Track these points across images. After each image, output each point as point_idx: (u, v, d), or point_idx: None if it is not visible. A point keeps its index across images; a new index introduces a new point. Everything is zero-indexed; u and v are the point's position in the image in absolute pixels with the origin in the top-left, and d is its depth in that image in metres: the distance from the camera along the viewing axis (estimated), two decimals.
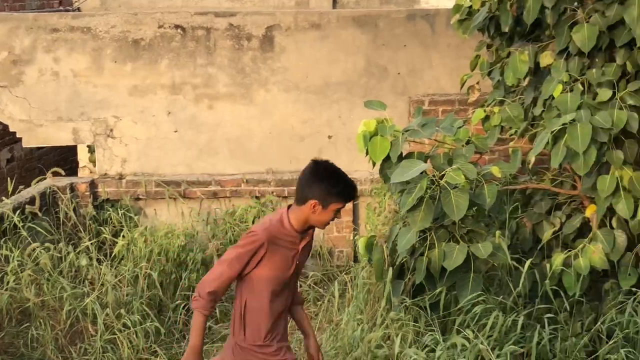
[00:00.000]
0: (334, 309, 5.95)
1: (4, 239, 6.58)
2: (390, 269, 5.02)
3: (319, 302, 6.71)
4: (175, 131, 8.35)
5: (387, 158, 5.05)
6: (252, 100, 8.30)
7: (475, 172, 4.73)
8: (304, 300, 4.60)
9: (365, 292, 5.35)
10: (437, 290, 4.96)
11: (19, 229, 6.72)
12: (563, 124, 4.77)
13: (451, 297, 5.08)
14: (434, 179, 4.87)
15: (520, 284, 5.03)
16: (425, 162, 5.09)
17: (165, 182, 8.24)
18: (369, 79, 8.25)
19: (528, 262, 5.06)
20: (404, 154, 5.17)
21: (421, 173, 4.79)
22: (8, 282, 6.20)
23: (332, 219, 4.15)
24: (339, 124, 8.28)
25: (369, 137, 5.05)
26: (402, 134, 5.10)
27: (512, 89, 6.15)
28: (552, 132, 4.84)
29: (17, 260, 6.32)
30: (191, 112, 8.33)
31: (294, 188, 7.97)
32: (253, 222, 7.87)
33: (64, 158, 10.97)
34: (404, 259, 5.09)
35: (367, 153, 5.11)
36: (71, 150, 9.75)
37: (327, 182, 4.01)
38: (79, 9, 11.39)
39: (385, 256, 5.05)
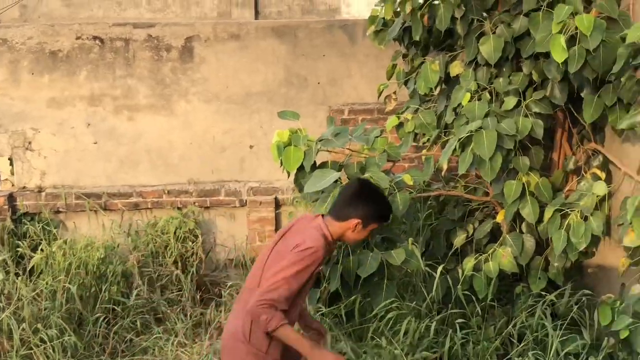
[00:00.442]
0: None
1: None
2: None
3: None
4: (95, 143, 8.26)
5: (302, 168, 5.08)
6: (173, 111, 8.26)
7: (387, 181, 4.80)
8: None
9: None
10: (352, 298, 5.00)
11: None
12: (470, 132, 4.89)
13: (366, 304, 5.13)
14: None
15: (434, 290, 5.11)
16: (340, 171, 5.13)
17: (85, 195, 8.14)
18: (289, 89, 8.27)
19: (440, 268, 5.14)
20: (320, 163, 5.22)
21: (335, 182, 4.84)
22: None
23: (366, 238, 4.38)
24: (261, 133, 8.28)
25: (283, 147, 5.07)
26: (316, 143, 5.13)
27: (427, 98, 6.24)
28: (459, 139, 4.95)
29: None
30: (111, 123, 8.25)
31: (216, 198, 8.14)
32: (175, 233, 7.81)
33: None
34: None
35: (281, 163, 5.13)
36: None
37: (372, 204, 4.13)
38: None
39: None
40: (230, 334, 4.15)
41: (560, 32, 4.65)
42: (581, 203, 4.88)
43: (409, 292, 5.41)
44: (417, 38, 5.77)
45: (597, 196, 4.88)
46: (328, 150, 5.21)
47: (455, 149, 4.96)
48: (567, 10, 4.61)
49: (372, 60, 8.19)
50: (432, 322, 4.99)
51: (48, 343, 5.85)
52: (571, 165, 5.49)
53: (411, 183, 5.11)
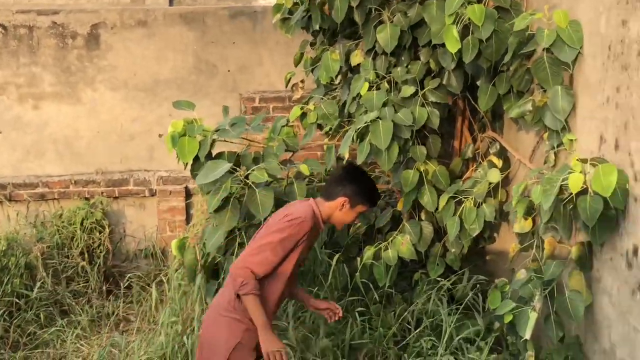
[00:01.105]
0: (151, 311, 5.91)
1: None
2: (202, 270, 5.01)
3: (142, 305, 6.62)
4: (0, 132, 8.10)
5: (198, 158, 5.04)
6: (80, 100, 8.13)
7: (280, 171, 4.78)
8: None
9: (181, 294, 5.29)
10: None
11: None
12: (366, 122, 4.89)
13: None
14: (241, 178, 4.86)
15: (329, 278, 5.12)
16: (237, 162, 5.09)
17: None
18: (198, 76, 8.21)
19: (336, 257, 5.16)
20: (217, 154, 5.17)
21: (230, 173, 4.79)
22: None
23: (353, 221, 4.59)
24: (170, 121, 8.17)
25: (178, 138, 5.01)
26: (212, 134, 5.09)
27: (333, 87, 6.23)
28: (356, 129, 4.95)
29: None
30: (15, 112, 8.09)
31: (125, 188, 8.02)
32: (82, 224, 7.69)
33: None
34: (218, 260, 5.07)
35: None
36: None
37: (359, 184, 4.27)
38: None
39: (199, 257, 5.02)
40: (211, 309, 4.25)
41: (453, 22, 4.67)
42: (475, 190, 4.92)
43: (307, 281, 5.37)
44: (316, 27, 5.79)
45: (491, 183, 4.92)
46: (225, 141, 5.17)
47: (353, 139, 4.96)
48: (458, 1, 4.63)
49: (283, 48, 8.14)
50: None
51: None
52: (469, 153, 5.57)
53: (307, 173, 5.11)
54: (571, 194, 3.82)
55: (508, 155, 5.33)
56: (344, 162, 5.05)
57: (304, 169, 5.06)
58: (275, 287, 4.13)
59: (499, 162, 5.24)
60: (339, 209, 4.24)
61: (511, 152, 5.18)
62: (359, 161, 5.08)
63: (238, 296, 3.99)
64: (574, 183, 3.77)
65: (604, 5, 3.97)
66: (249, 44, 8.23)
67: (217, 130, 5.12)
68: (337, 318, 4.38)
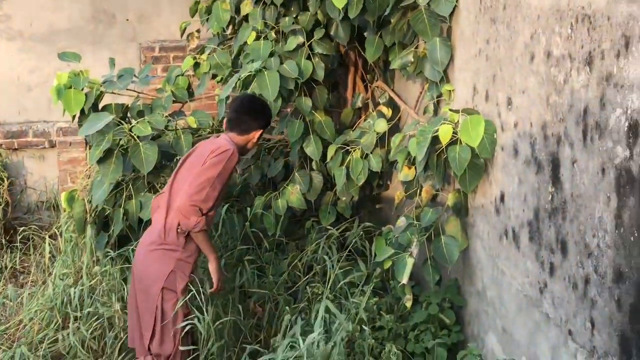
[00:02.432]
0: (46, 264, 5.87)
1: None
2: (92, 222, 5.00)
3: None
4: None
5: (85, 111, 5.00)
6: None
7: (164, 123, 4.76)
8: None
9: (72, 246, 5.28)
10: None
11: None
12: (251, 72, 4.91)
13: None
14: (125, 131, 4.82)
15: (220, 227, 5.17)
16: (125, 113, 5.07)
17: None
18: (97, 26, 8.06)
19: (225, 207, 5.19)
20: (104, 106, 5.14)
21: (116, 125, 4.77)
22: None
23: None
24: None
25: (64, 90, 4.95)
26: (101, 85, 5.05)
27: (228, 37, 6.22)
28: (240, 78, 4.95)
29: None
30: None
31: (24, 140, 7.86)
32: None
33: None
34: (108, 212, 5.06)
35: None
36: None
37: (267, 114, 4.63)
38: None
39: (88, 209, 5.01)
40: (140, 246, 4.38)
41: None
42: (362, 140, 4.98)
43: None
44: None
45: (377, 133, 4.98)
46: (115, 93, 5.14)
47: (235, 87, 4.97)
48: None
49: None
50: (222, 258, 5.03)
51: None
52: (359, 103, 5.66)
53: (194, 125, 5.10)
54: (447, 142, 3.95)
55: (398, 105, 5.41)
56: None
57: (191, 120, 5.07)
58: (211, 217, 4.38)
59: (388, 112, 5.31)
60: (254, 140, 4.54)
61: (398, 102, 5.26)
62: None
63: (184, 234, 4.21)
64: (444, 134, 3.89)
65: None
66: None
67: (104, 83, 5.05)
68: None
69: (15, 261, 6.55)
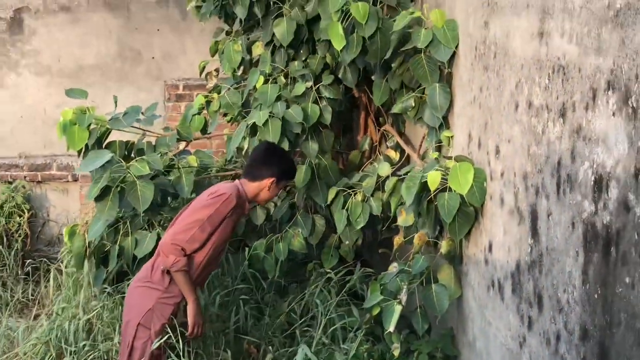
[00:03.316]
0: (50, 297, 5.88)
1: None
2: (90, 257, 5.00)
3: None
4: None
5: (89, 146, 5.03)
6: (3, 84, 8.07)
7: (161, 163, 4.74)
8: None
9: (74, 280, 5.29)
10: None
11: None
12: (260, 117, 4.91)
13: None
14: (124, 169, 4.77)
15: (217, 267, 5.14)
16: (129, 151, 5.08)
17: None
18: (123, 63, 8.18)
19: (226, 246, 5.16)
20: (108, 143, 5.16)
21: (108, 163, 4.75)
22: None
23: (275, 196, 4.85)
24: (98, 107, 8.14)
25: (69, 126, 4.99)
26: (108, 123, 5.08)
27: (244, 77, 6.23)
28: (247, 125, 4.96)
29: None
30: None
31: (48, 173, 7.94)
32: (2, 208, 7.65)
33: None
34: (107, 247, 5.05)
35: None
36: None
37: (284, 164, 4.58)
38: None
39: (87, 244, 5.01)
40: (132, 282, 4.45)
41: (339, 19, 4.68)
42: (363, 184, 4.94)
43: None
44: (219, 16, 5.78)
45: (380, 177, 4.92)
46: (120, 130, 5.16)
47: (245, 135, 4.99)
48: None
49: (207, 36, 8.00)
50: (217, 297, 5.02)
51: None
52: (366, 146, 5.61)
53: (196, 164, 5.10)
54: (436, 189, 3.89)
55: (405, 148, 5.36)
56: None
57: (192, 159, 5.08)
58: (203, 264, 4.33)
59: (395, 156, 5.25)
60: (266, 189, 4.49)
61: (403, 146, 5.21)
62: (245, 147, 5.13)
63: (168, 272, 4.21)
64: (432, 180, 3.84)
65: (472, 6, 4.03)
66: (174, 31, 8.20)
67: (110, 120, 5.08)
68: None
69: (28, 292, 6.58)
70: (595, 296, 2.59)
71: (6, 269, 7.18)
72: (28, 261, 6.98)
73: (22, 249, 7.50)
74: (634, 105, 2.33)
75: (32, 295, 6.68)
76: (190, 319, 4.27)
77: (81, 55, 8.10)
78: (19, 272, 7.23)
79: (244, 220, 5.61)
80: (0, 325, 5.57)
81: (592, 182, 2.61)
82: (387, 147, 5.41)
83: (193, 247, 4.19)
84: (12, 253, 7.35)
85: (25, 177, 7.99)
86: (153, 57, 8.18)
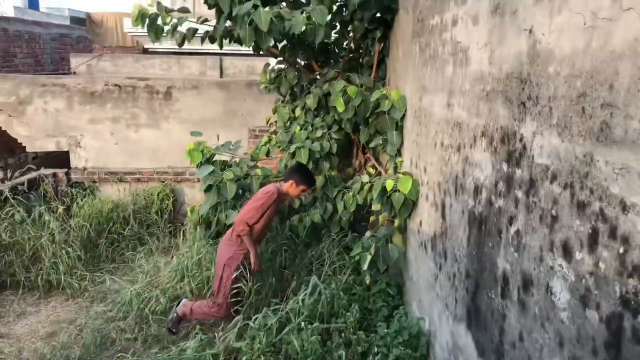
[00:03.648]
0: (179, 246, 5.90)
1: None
2: (201, 224, 4.99)
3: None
4: (116, 144, 8.09)
5: (202, 162, 5.02)
6: (160, 128, 8.10)
7: (240, 172, 4.74)
8: None
9: (192, 237, 5.29)
10: None
11: (10, 200, 6.31)
12: (296, 148, 4.88)
13: None
14: (220, 175, 4.78)
15: (270, 231, 5.10)
16: (223, 168, 5.05)
17: (109, 173, 7.99)
18: (226, 117, 8.17)
19: (277, 220, 5.12)
20: (213, 161, 5.14)
21: (211, 172, 4.76)
22: None
23: (299, 195, 4.61)
24: (210, 141, 8.12)
25: (192, 151, 5.00)
26: (213, 150, 5.07)
27: (289, 126, 6.16)
28: (289, 152, 4.93)
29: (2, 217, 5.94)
30: (125, 133, 8.08)
31: (184, 177, 7.95)
32: (158, 196, 7.70)
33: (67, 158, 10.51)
34: (210, 219, 5.02)
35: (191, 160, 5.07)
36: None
37: (300, 174, 4.42)
38: (74, 73, 10.91)
39: (200, 217, 5.01)
40: (222, 241, 4.35)
41: (341, 95, 4.65)
42: (353, 186, 4.88)
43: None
44: (277, 92, 5.76)
45: (363, 182, 4.86)
46: (220, 153, 5.14)
47: (288, 156, 4.97)
48: (340, 84, 4.61)
49: (271, 103, 8.04)
50: (270, 247, 4.98)
51: (65, 256, 5.71)
52: (356, 166, 5.55)
53: (260, 174, 5.06)
54: (391, 190, 3.84)
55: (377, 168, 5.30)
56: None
57: (258, 171, 5.04)
58: (259, 231, 4.28)
59: (372, 171, 5.19)
60: (291, 188, 4.37)
61: (377, 166, 5.15)
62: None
63: (239, 236, 4.18)
64: (389, 185, 3.80)
65: (412, 89, 3.97)
66: (254, 99, 8.18)
67: (215, 148, 5.07)
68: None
69: (169, 242, 6.61)
70: (474, 253, 2.53)
71: (159, 229, 7.20)
72: (170, 225, 6.99)
73: (168, 218, 7.52)
74: (495, 146, 2.27)
75: (170, 244, 6.72)
76: (252, 261, 4.23)
77: (203, 112, 8.13)
78: (165, 231, 7.23)
79: (286, 205, 5.59)
80: (153, 260, 5.57)
81: (473, 188, 2.55)
82: (368, 167, 5.34)
83: (253, 221, 4.18)
84: (162, 220, 7.36)
85: (171, 179, 8.03)
86: (242, 114, 8.19)
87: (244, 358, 3.37)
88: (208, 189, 4.62)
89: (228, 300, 4.22)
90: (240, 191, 4.75)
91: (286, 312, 3.72)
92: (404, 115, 4.27)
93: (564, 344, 1.68)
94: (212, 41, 5.29)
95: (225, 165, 5.09)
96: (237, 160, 5.39)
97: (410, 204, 3.82)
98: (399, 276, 4.39)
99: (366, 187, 4.45)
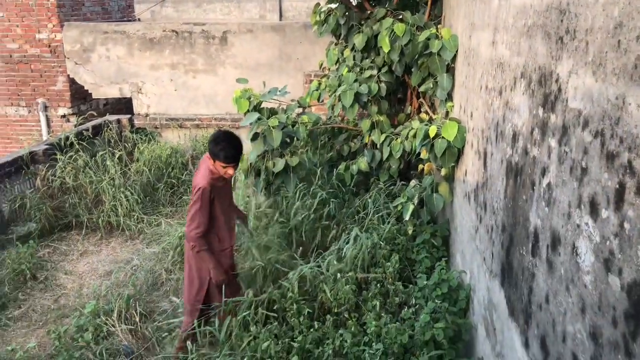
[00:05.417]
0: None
1: (66, 153, 6.54)
2: (251, 171, 4.99)
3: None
4: (175, 90, 8.26)
5: (249, 110, 4.97)
6: (217, 74, 8.17)
7: (285, 118, 4.63)
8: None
9: (243, 183, 5.32)
10: (277, 184, 4.94)
11: (76, 145, 6.67)
12: (342, 91, 4.73)
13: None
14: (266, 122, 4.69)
15: (317, 179, 5.04)
16: (271, 114, 4.98)
17: (170, 119, 8.21)
18: (281, 62, 8.08)
19: (321, 167, 5.04)
20: (260, 108, 5.06)
21: (257, 119, 4.70)
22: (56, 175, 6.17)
23: (226, 173, 3.43)
24: (264, 86, 8.11)
25: (239, 99, 4.94)
26: (260, 97, 4.99)
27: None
28: (336, 95, 4.79)
29: (67, 162, 6.30)
30: (183, 79, 8.22)
31: (239, 123, 8.00)
32: None
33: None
34: (259, 167, 4.98)
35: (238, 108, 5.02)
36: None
37: (214, 146, 3.40)
38: (139, 19, 11.09)
39: (249, 165, 4.99)
40: (186, 251, 3.61)
41: (387, 34, 4.39)
42: (402, 132, 4.69)
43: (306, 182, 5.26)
44: (322, 36, 5.55)
45: (412, 128, 4.65)
46: (271, 100, 5.04)
47: (334, 98, 4.83)
48: (387, 21, 4.35)
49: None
50: (316, 197, 4.92)
51: (124, 199, 5.97)
52: (408, 111, 5.31)
53: (306, 120, 4.96)
54: (434, 137, 3.65)
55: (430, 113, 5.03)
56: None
57: (304, 118, 4.93)
58: (218, 229, 3.50)
59: (425, 117, 4.95)
60: (213, 165, 3.41)
61: (429, 111, 4.90)
62: (334, 113, 4.93)
63: (197, 252, 3.40)
64: (432, 131, 3.59)
65: (463, 27, 3.67)
66: (309, 43, 8.01)
67: (262, 95, 5.00)
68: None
69: None
70: (509, 205, 2.34)
71: None
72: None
73: None
74: (533, 88, 2.04)
75: None
76: (212, 274, 3.48)
77: (258, 57, 8.08)
78: None
79: (335, 151, 5.48)
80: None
81: (511, 136, 2.34)
82: (421, 112, 5.10)
83: (203, 229, 3.38)
84: None
85: (229, 125, 8.12)
86: (297, 58, 8.06)
87: (277, 306, 3.41)
88: (254, 137, 4.57)
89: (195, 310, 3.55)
90: (288, 139, 4.67)
91: (321, 262, 3.70)
92: (455, 56, 3.98)
93: (585, 310, 1.51)
94: None
95: (272, 112, 5.00)
96: (283, 107, 5.30)
97: (455, 152, 3.61)
98: (445, 226, 4.23)
99: (411, 132, 4.24)
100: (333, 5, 5.53)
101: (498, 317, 2.50)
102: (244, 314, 3.31)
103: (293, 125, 4.95)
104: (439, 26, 4.26)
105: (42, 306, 4.38)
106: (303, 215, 4.64)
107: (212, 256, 3.42)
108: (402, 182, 5.01)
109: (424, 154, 4.32)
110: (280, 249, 4.16)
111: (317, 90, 5.68)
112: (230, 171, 3.38)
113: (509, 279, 2.34)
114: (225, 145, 3.34)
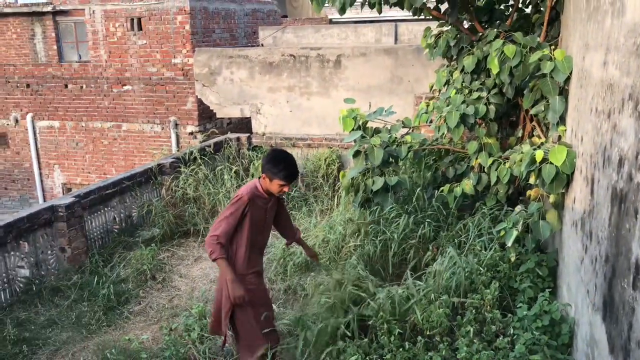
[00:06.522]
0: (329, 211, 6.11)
1: (189, 166, 7.09)
2: (350, 188, 5.07)
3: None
4: (290, 111, 8.66)
5: (354, 129, 5.08)
6: (329, 96, 8.44)
7: (387, 138, 4.66)
8: (297, 231, 4.00)
9: (344, 200, 5.43)
10: (375, 203, 4.97)
11: (198, 160, 7.23)
12: (447, 112, 4.69)
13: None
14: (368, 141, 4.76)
15: (414, 200, 4.98)
16: (375, 134, 5.05)
17: (284, 138, 8.61)
18: (392, 84, 8.16)
19: (418, 190, 4.98)
20: (364, 127, 5.16)
21: (361, 137, 4.79)
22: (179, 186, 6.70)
23: (280, 191, 3.42)
24: (375, 108, 8.22)
25: (344, 118, 5.08)
26: (366, 116, 5.10)
27: None
28: (441, 116, 4.75)
29: (189, 175, 6.83)
30: (298, 101, 8.60)
31: (352, 143, 8.16)
32: (325, 161, 8.06)
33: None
34: (359, 183, 5.04)
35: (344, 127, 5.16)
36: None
37: (272, 165, 3.39)
38: (262, 44, 11.83)
39: (351, 181, 5.08)
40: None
41: (497, 55, 4.31)
42: (511, 156, 4.52)
43: (402, 202, 5.23)
44: (433, 59, 5.55)
45: (522, 153, 4.46)
46: (376, 120, 5.11)
47: (439, 118, 4.78)
48: (497, 42, 4.27)
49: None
50: (416, 219, 4.85)
51: None
52: (519, 134, 5.09)
53: (410, 140, 4.95)
54: (543, 161, 3.49)
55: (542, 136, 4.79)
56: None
57: (408, 138, 4.94)
58: (241, 246, 3.39)
59: (538, 141, 4.72)
60: (266, 182, 3.38)
61: (541, 135, 4.67)
62: (439, 133, 4.87)
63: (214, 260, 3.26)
64: (538, 156, 3.45)
65: (577, 48, 3.50)
66: (421, 66, 8.00)
67: (367, 115, 5.10)
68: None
69: (327, 203, 6.86)
70: (613, 235, 2.20)
71: (323, 192, 7.53)
72: (333, 189, 7.26)
73: (333, 183, 7.82)
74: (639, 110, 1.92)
75: (329, 207, 6.85)
76: (230, 295, 3.33)
77: (370, 80, 8.23)
78: (329, 194, 7.52)
79: (440, 173, 5.41)
80: (310, 220, 5.87)
81: (617, 160, 2.20)
82: (534, 136, 4.87)
83: (225, 236, 3.29)
84: (327, 184, 7.69)
85: (338, 145, 8.34)
86: (409, 81, 8.09)
87: (370, 322, 3.43)
88: (356, 155, 4.66)
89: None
90: (390, 158, 4.71)
91: (414, 283, 3.66)
92: (569, 78, 3.79)
93: None
94: (372, 7, 5.27)
95: (375, 131, 5.08)
96: (387, 127, 5.35)
97: (564, 178, 3.41)
98: (552, 256, 3.99)
99: (518, 157, 4.08)
100: (444, 28, 5.52)
101: (599, 354, 2.33)
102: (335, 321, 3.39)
103: (396, 145, 4.99)
104: (552, 47, 4.08)
105: (158, 304, 4.81)
106: (395, 234, 4.63)
107: (231, 268, 3.30)
108: (509, 208, 4.80)
109: (532, 179, 4.14)
110: (360, 279, 4.01)
111: (425, 112, 5.67)
112: (285, 189, 3.42)
113: (610, 314, 2.18)
114: (286, 166, 3.39)
